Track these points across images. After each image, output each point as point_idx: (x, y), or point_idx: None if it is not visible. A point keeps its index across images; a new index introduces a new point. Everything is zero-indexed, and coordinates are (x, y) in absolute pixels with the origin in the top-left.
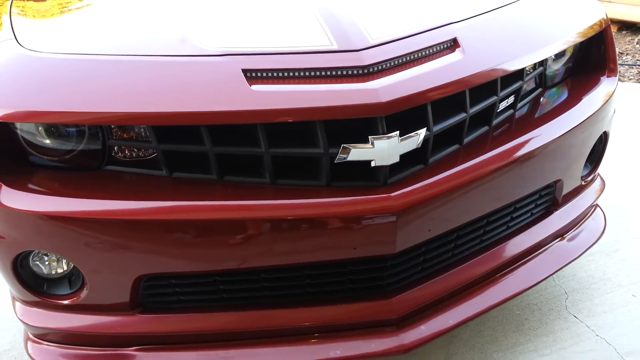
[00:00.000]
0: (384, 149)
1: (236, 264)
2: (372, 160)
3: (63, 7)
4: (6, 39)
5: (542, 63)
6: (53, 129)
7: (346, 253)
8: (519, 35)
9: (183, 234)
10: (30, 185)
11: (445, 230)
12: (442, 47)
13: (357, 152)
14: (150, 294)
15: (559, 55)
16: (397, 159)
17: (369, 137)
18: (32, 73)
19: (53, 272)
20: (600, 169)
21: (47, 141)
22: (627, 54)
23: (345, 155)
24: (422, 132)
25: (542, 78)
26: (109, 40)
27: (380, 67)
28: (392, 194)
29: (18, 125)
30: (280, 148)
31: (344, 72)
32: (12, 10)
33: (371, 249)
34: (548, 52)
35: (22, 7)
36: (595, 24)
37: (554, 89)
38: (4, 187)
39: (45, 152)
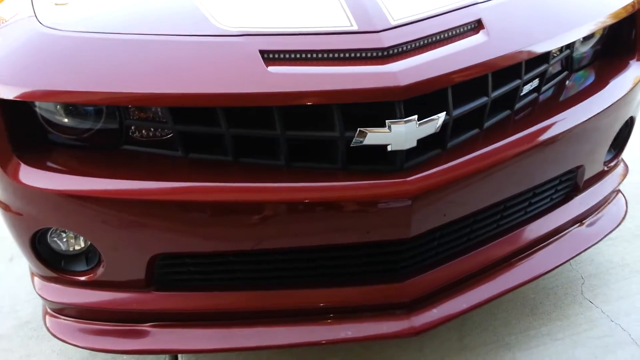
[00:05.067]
0: (401, 134)
1: (249, 245)
2: (388, 145)
3: None
4: (26, 17)
5: (569, 46)
6: (71, 108)
7: (360, 237)
8: (547, 17)
9: (197, 215)
10: (49, 164)
11: (461, 215)
12: (465, 28)
13: (373, 137)
14: (165, 272)
15: (587, 38)
16: (414, 144)
17: (386, 121)
18: (50, 51)
19: (71, 249)
20: (624, 154)
21: (66, 120)
22: None
23: (361, 139)
24: (442, 117)
25: (569, 61)
26: (127, 19)
27: (400, 50)
28: (408, 179)
29: (37, 103)
30: (296, 131)
31: (363, 54)
32: None
33: (385, 233)
34: (576, 35)
35: None
36: (627, 5)
37: (580, 72)
38: (22, 165)
39: (63, 130)
